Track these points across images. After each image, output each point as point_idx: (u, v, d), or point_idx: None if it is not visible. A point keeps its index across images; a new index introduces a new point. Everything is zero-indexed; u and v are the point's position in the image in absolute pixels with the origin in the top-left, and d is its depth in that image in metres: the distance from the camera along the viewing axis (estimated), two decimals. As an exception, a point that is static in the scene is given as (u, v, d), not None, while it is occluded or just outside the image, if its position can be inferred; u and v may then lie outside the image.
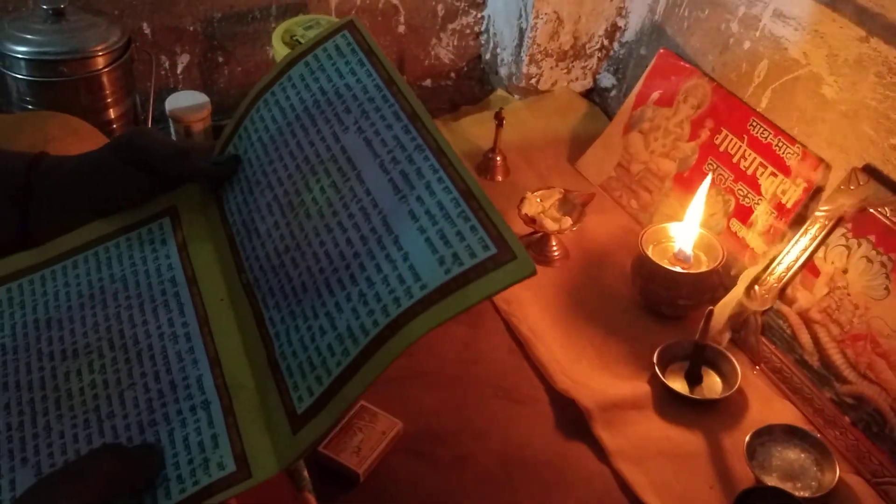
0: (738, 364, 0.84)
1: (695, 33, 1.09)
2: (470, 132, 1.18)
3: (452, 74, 1.35)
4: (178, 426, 0.48)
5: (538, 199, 0.98)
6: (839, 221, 0.84)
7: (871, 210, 0.82)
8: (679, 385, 0.84)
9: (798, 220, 0.91)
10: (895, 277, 0.79)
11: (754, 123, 0.97)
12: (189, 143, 0.95)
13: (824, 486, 0.74)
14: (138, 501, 0.45)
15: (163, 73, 1.15)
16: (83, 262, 0.58)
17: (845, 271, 0.82)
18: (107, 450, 0.47)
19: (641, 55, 1.20)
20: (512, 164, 1.13)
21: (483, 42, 1.33)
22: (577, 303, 0.94)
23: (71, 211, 0.60)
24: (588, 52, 1.26)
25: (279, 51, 1.04)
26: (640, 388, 0.84)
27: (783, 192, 0.93)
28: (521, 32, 1.22)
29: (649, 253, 0.91)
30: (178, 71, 1.17)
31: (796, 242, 0.87)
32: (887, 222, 0.81)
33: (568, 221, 0.96)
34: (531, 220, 0.96)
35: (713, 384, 0.85)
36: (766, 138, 0.96)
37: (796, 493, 0.73)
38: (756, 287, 0.88)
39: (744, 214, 0.96)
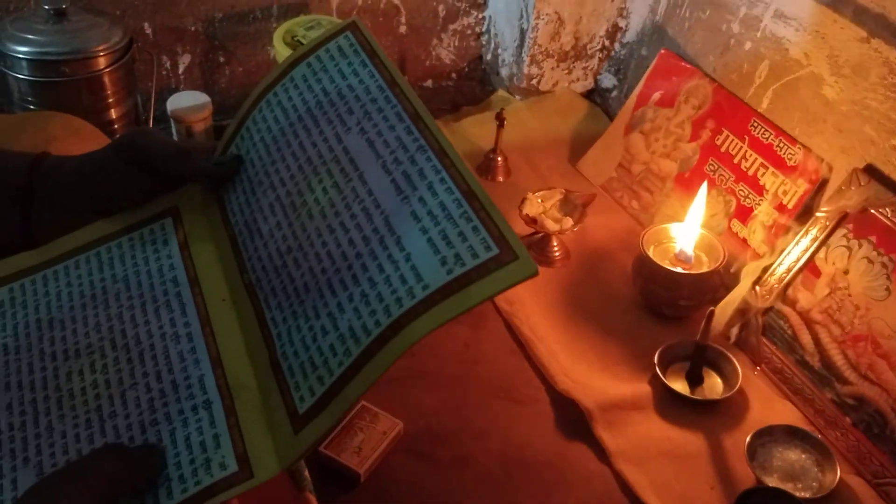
0: (739, 365, 0.84)
1: (696, 34, 1.09)
2: (471, 133, 1.18)
3: (453, 75, 1.35)
4: (180, 426, 0.48)
5: (539, 200, 0.98)
6: (840, 222, 0.84)
7: (873, 211, 0.82)
8: (680, 385, 0.84)
9: (799, 220, 0.91)
10: (896, 278, 0.79)
11: (755, 124, 0.97)
12: (191, 144, 0.95)
13: (825, 486, 0.74)
14: (140, 501, 0.45)
15: (164, 73, 1.16)
16: (85, 263, 0.58)
17: (846, 272, 0.82)
18: (108, 450, 0.47)
19: (642, 56, 1.20)
20: (513, 165, 1.13)
21: (484, 43, 1.33)
22: (577, 303, 0.94)
23: (72, 211, 0.60)
24: (589, 52, 1.26)
25: (280, 51, 1.04)
26: (640, 388, 0.84)
27: (784, 193, 0.93)
28: (522, 33, 1.22)
29: (650, 253, 0.91)
30: (180, 71, 1.17)
31: (797, 243, 0.87)
32: (888, 223, 0.81)
33: (569, 222, 0.97)
34: (532, 221, 0.96)
35: (714, 385, 0.85)
36: (767, 139, 0.96)
37: (797, 494, 0.73)
38: (757, 287, 0.88)
39: (745, 215, 0.96)
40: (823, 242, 0.85)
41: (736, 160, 0.98)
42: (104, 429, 0.49)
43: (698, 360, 0.84)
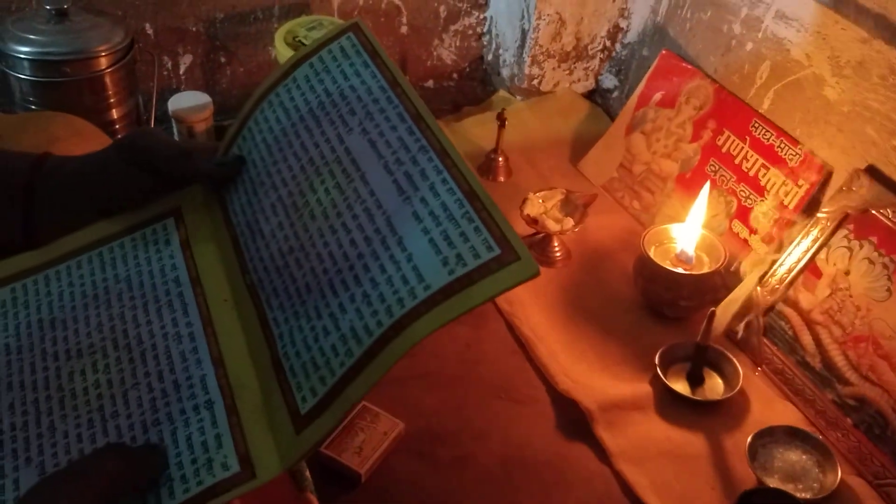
0: (740, 365, 0.84)
1: (697, 34, 1.09)
2: (472, 133, 1.18)
3: (454, 75, 1.35)
4: (181, 425, 0.48)
5: (540, 200, 0.99)
6: (841, 223, 0.84)
7: (874, 211, 0.82)
8: (681, 386, 0.84)
9: (800, 221, 0.91)
10: (897, 279, 0.79)
11: (756, 125, 0.97)
12: (193, 144, 0.95)
13: (826, 487, 0.74)
14: (142, 501, 0.45)
15: (165, 73, 1.16)
16: (87, 263, 0.58)
17: (847, 273, 0.82)
18: (111, 449, 0.47)
19: (643, 56, 1.20)
20: (514, 165, 1.13)
21: (485, 43, 1.33)
22: (578, 304, 0.94)
23: (74, 211, 0.60)
24: (590, 53, 1.26)
25: (281, 52, 1.04)
26: (641, 388, 0.84)
27: (785, 194, 0.93)
28: (524, 33, 1.22)
29: (651, 254, 0.91)
30: (181, 71, 1.17)
31: (798, 244, 0.87)
32: (889, 224, 0.81)
33: (570, 222, 0.97)
34: (533, 221, 0.96)
35: (715, 385, 0.85)
36: (768, 139, 0.96)
37: (798, 495, 0.73)
38: (758, 288, 0.88)
39: (746, 215, 0.96)
40: (824, 243, 0.85)
41: (737, 161, 0.98)
42: (106, 428, 0.49)
43: (699, 361, 0.84)
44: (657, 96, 1.09)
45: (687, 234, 0.93)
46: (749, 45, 1.00)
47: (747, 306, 0.88)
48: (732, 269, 0.93)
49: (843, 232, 0.84)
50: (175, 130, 1.04)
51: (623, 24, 1.24)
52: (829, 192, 0.90)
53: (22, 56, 0.95)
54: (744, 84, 1.01)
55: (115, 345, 0.53)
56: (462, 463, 0.77)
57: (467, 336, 0.89)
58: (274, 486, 0.46)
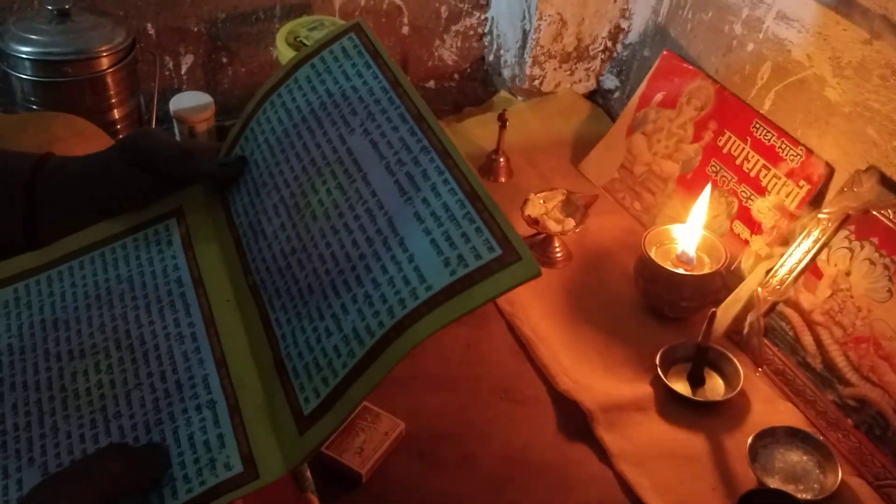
0: (741, 366, 0.84)
1: (698, 35, 1.09)
2: (473, 134, 1.18)
3: (456, 76, 1.35)
4: (184, 424, 0.48)
5: (541, 201, 0.99)
6: (842, 224, 0.84)
7: (875, 212, 0.82)
8: (681, 387, 0.84)
9: (801, 222, 0.91)
10: (898, 280, 0.79)
11: (757, 125, 0.97)
12: (195, 145, 0.95)
13: (826, 488, 0.74)
14: (145, 501, 0.45)
15: (167, 73, 1.16)
16: (89, 263, 0.59)
17: (848, 273, 0.82)
18: (113, 449, 0.47)
19: (645, 57, 1.20)
20: (515, 166, 1.13)
21: (486, 44, 1.33)
22: (579, 304, 0.94)
23: (76, 211, 0.60)
24: (591, 53, 1.26)
25: (283, 52, 1.04)
26: (642, 389, 0.84)
27: (786, 195, 0.93)
28: (525, 34, 1.22)
29: (652, 255, 0.91)
30: (183, 71, 1.17)
31: (799, 245, 0.87)
32: (890, 225, 0.81)
33: (571, 223, 0.97)
34: (534, 222, 0.96)
35: (716, 386, 0.85)
36: (769, 140, 0.96)
37: (798, 496, 0.73)
38: (759, 289, 0.88)
39: (747, 216, 0.96)
40: (825, 244, 0.85)
41: (738, 161, 0.98)
42: (109, 429, 0.49)
43: (700, 362, 0.84)
44: (658, 97, 1.09)
45: (688, 235, 0.93)
46: (750, 46, 1.00)
47: (748, 307, 0.88)
48: (733, 269, 0.93)
49: (844, 233, 0.84)
50: (176, 130, 1.04)
51: (624, 24, 1.24)
52: (831, 192, 0.90)
53: (23, 56, 0.95)
54: (745, 85, 1.01)
55: (118, 345, 0.53)
56: (463, 463, 0.77)
57: (468, 337, 0.89)
58: (275, 487, 0.46)
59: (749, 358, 0.88)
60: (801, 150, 0.92)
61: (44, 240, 0.60)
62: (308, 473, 0.71)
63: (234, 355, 0.51)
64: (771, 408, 0.83)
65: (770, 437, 0.78)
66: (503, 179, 1.12)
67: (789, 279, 0.86)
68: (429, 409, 0.81)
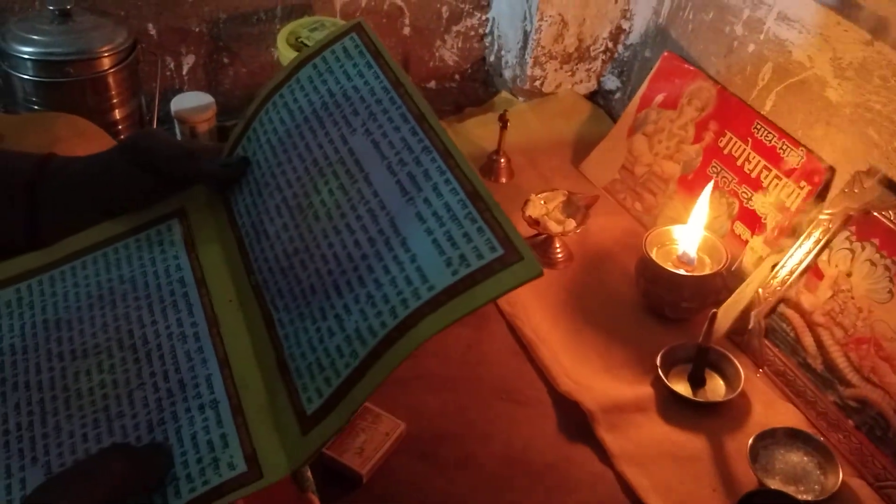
0: (742, 367, 0.84)
1: (699, 36, 1.09)
2: (474, 134, 1.18)
3: (457, 76, 1.35)
4: (187, 424, 0.48)
5: (542, 202, 0.99)
6: (843, 224, 0.84)
7: (876, 213, 0.82)
8: (682, 388, 0.84)
9: (802, 223, 0.91)
10: (899, 281, 0.79)
11: (758, 126, 0.97)
12: (197, 145, 0.95)
13: (827, 489, 0.74)
14: (148, 501, 0.45)
15: (168, 73, 1.16)
16: (92, 263, 0.59)
17: (849, 274, 0.82)
18: (116, 449, 0.47)
19: (646, 58, 1.20)
20: (516, 167, 1.13)
21: (487, 44, 1.33)
22: (580, 305, 0.94)
23: (78, 212, 0.60)
24: (592, 54, 1.26)
25: (284, 53, 1.04)
26: (643, 390, 0.84)
27: (787, 195, 0.93)
28: (526, 35, 1.22)
29: (653, 255, 0.91)
30: (184, 72, 1.17)
31: (800, 245, 0.87)
32: (891, 225, 0.81)
33: (572, 223, 0.97)
34: (535, 223, 0.97)
35: (716, 387, 0.85)
36: (770, 141, 0.96)
37: (799, 497, 0.73)
38: (760, 290, 0.88)
39: (748, 217, 0.96)
40: (826, 245, 0.85)
41: (739, 162, 0.98)
42: (111, 428, 0.49)
43: (701, 362, 0.84)
44: (659, 98, 1.09)
45: (689, 236, 0.93)
46: (751, 47, 1.01)
47: (749, 308, 0.88)
48: (734, 270, 0.93)
49: (844, 234, 0.84)
50: (177, 131, 1.05)
51: (625, 25, 1.24)
52: (832, 193, 0.90)
53: (25, 56, 0.95)
54: (746, 85, 1.01)
55: (121, 345, 0.53)
56: (463, 464, 0.77)
57: (469, 337, 0.89)
58: (276, 487, 0.46)
59: (750, 359, 0.88)
60: (801, 150, 0.93)
61: (46, 240, 0.60)
62: (309, 474, 0.70)
63: (236, 355, 0.51)
64: (771, 409, 0.83)
65: (771, 438, 0.78)
66: (504, 180, 1.12)
67: (790, 280, 0.86)
68: (429, 410, 0.81)
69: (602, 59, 1.27)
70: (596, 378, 0.85)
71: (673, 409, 0.83)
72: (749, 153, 0.97)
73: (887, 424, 0.76)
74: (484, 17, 1.31)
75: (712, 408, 0.83)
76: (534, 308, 0.93)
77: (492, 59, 1.33)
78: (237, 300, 0.54)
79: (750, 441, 0.77)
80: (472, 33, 1.32)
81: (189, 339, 0.52)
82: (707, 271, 0.91)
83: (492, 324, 0.91)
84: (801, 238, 0.87)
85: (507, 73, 1.30)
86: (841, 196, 0.86)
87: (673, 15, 1.14)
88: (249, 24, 1.17)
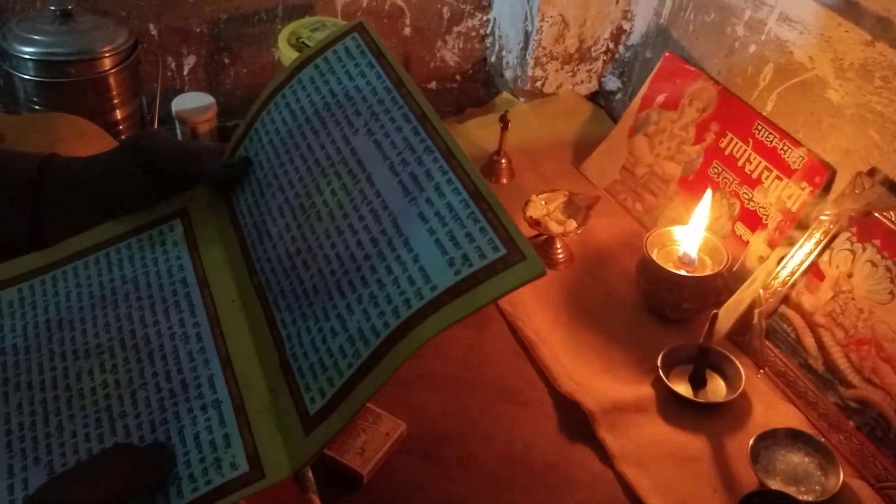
0: (742, 368, 0.84)
1: (700, 37, 1.09)
2: (475, 135, 1.18)
3: (458, 77, 1.35)
4: (189, 424, 0.48)
5: (543, 202, 0.99)
6: (844, 225, 0.84)
7: (876, 214, 0.82)
8: (683, 388, 0.84)
9: (803, 224, 0.91)
10: (900, 282, 0.79)
11: (759, 127, 0.97)
12: (199, 146, 0.95)
13: (828, 490, 0.74)
14: (150, 500, 0.45)
15: (169, 74, 1.16)
16: (94, 263, 0.59)
17: (850, 275, 0.82)
18: (118, 449, 0.47)
19: (647, 58, 1.20)
20: (517, 167, 1.13)
21: (488, 45, 1.33)
22: (581, 305, 0.94)
23: (80, 212, 0.60)
24: (593, 55, 1.26)
25: (285, 53, 1.04)
26: (643, 391, 0.84)
27: (788, 196, 0.93)
28: (527, 35, 1.22)
29: (654, 256, 0.91)
30: (185, 72, 1.17)
31: (801, 246, 0.87)
32: (892, 227, 0.81)
33: (572, 224, 0.97)
34: (536, 223, 0.97)
35: (717, 388, 0.85)
36: (771, 142, 0.96)
37: (800, 497, 0.73)
38: (761, 291, 0.88)
39: (749, 218, 0.96)
40: (827, 246, 0.85)
41: (740, 163, 0.98)
42: (114, 428, 0.49)
43: (701, 363, 0.84)
44: (660, 98, 1.09)
45: (690, 237, 0.93)
46: (752, 48, 1.01)
47: (750, 309, 0.88)
48: (735, 271, 0.93)
49: (845, 234, 0.84)
50: (178, 131, 1.05)
51: (626, 26, 1.24)
52: (833, 194, 0.90)
53: (26, 56, 0.95)
54: (747, 86, 1.01)
55: (123, 345, 0.53)
56: (464, 464, 0.77)
57: (470, 338, 0.89)
58: (277, 487, 0.46)
59: (750, 359, 0.88)
60: (803, 151, 0.93)
61: (48, 240, 0.60)
62: (310, 474, 0.71)
63: (239, 355, 0.51)
64: (772, 409, 0.83)
65: (771, 439, 0.78)
66: (505, 180, 1.12)
67: (791, 281, 0.87)
68: (430, 410, 0.81)
69: (603, 60, 1.27)
70: (597, 378, 0.85)
71: (674, 409, 0.83)
72: (750, 154, 0.97)
73: (888, 425, 0.76)
74: (485, 18, 1.31)
75: (713, 408, 0.83)
76: (535, 308, 0.93)
77: (493, 59, 1.33)
78: (239, 300, 0.54)
79: (751, 442, 0.77)
80: (473, 34, 1.32)
81: (191, 340, 0.52)
82: (708, 272, 0.91)
83: (493, 324, 0.91)
84: (802, 239, 0.87)
85: (508, 74, 1.30)
86: (842, 197, 0.86)
87: (674, 16, 1.14)
88: (250, 24, 1.17)
